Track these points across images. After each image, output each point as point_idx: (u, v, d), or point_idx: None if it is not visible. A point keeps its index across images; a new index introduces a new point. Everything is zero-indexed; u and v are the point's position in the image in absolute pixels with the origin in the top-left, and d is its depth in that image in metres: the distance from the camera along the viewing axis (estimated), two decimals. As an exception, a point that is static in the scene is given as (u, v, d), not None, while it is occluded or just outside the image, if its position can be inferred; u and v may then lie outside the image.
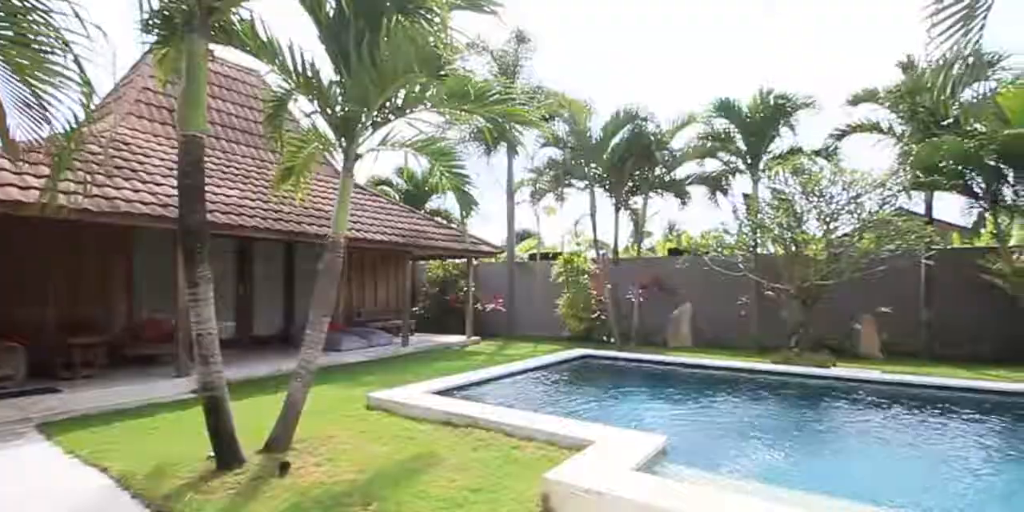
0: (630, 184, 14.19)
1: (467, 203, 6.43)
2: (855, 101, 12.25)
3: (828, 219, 10.08)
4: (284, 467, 4.20)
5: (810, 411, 6.93)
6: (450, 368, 9.12)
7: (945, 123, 10.24)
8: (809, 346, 9.98)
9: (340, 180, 5.21)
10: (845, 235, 10.15)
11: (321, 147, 5.71)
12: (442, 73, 4.84)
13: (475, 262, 15.81)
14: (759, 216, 10.96)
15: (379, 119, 5.28)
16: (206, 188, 4.71)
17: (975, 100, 9.82)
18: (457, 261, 16.69)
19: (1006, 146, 8.55)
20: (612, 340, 12.89)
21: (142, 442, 5.02)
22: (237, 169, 10.16)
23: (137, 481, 4.01)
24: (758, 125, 12.58)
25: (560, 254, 15.00)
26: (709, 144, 13.42)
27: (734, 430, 5.90)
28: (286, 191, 6.98)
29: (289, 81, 5.12)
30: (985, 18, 2.77)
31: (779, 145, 12.97)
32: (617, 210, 14.39)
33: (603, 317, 13.37)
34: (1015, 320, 9.25)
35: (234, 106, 11.54)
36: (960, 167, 9.46)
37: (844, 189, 9.99)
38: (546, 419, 5.38)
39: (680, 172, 14.34)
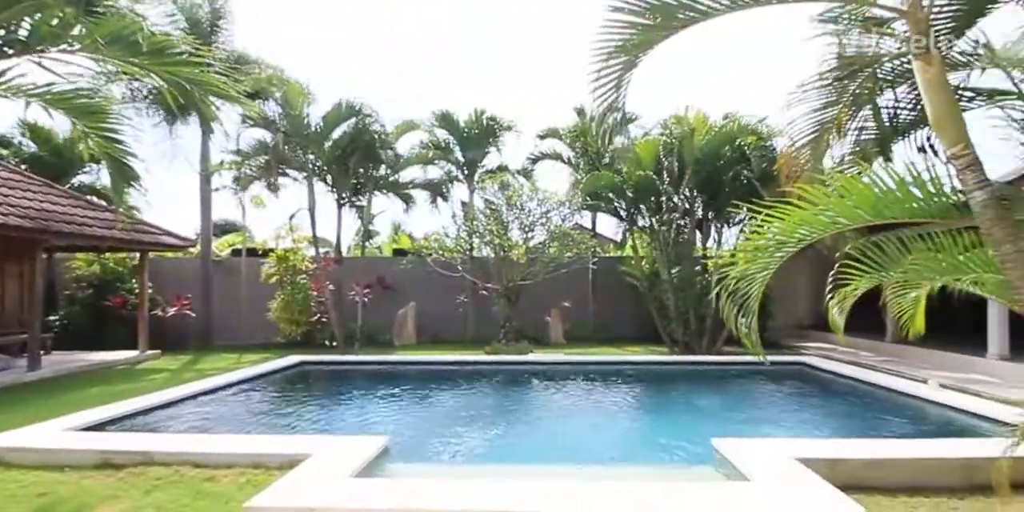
0: (355, 181, 13.77)
1: (125, 178, 5.08)
2: (544, 135, 14.93)
3: (527, 229, 11.92)
4: None
5: (515, 393, 7.96)
6: (111, 394, 6.98)
7: (605, 161, 13.31)
8: (514, 337, 11.52)
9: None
10: (540, 243, 12.16)
11: None
12: (96, 9, 3.66)
13: (151, 256, 12.73)
14: (474, 223, 12.16)
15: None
16: None
17: (621, 146, 13.22)
18: (123, 255, 13.14)
19: (638, 184, 11.63)
20: (334, 343, 12.20)
21: None
22: None
23: None
24: (474, 140, 13.90)
25: (273, 251, 13.33)
26: (431, 152, 14.16)
27: (453, 420, 6.25)
28: None
29: None
30: (627, 87, 3.57)
31: (491, 161, 14.66)
32: (340, 206, 13.75)
33: (324, 319, 12.52)
34: (645, 310, 12.57)
35: None
36: (612, 196, 12.41)
37: (539, 205, 11.99)
38: (249, 439, 4.83)
39: (405, 175, 14.68)
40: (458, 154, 14.15)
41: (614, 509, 3.20)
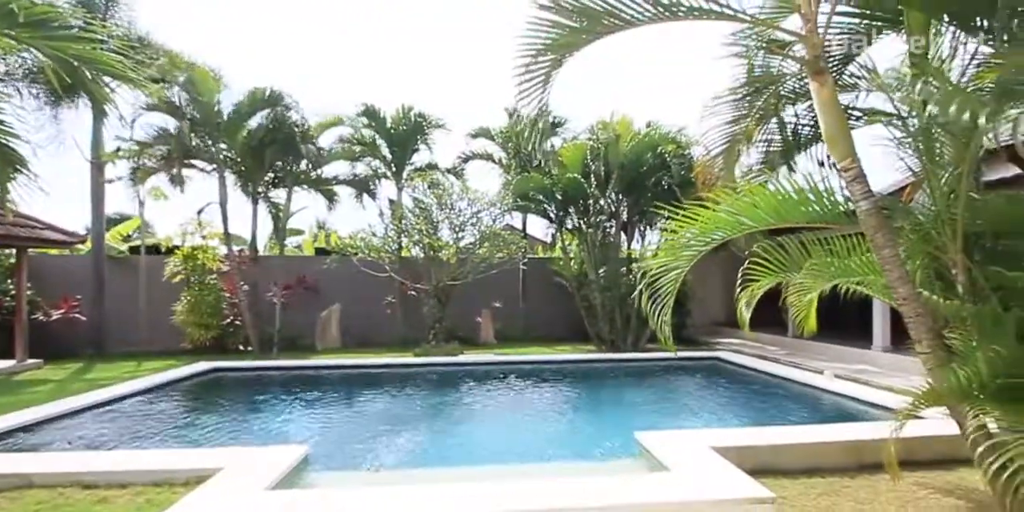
0: (271, 175, 12.98)
1: (9, 161, 4.50)
2: (475, 135, 14.90)
3: (457, 229, 11.81)
4: None
5: (445, 395, 7.86)
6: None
7: (536, 163, 13.50)
8: (444, 338, 11.37)
9: None
10: (470, 243, 12.10)
11: None
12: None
13: (32, 253, 11.32)
14: (403, 222, 11.87)
15: None
16: None
17: (549, 150, 13.48)
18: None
19: (567, 186, 11.90)
20: (249, 348, 11.44)
21: None
22: None
23: None
24: (401, 137, 13.55)
25: (179, 248, 12.25)
26: (357, 148, 13.65)
27: (380, 425, 6.08)
28: None
29: None
30: (549, 92, 3.56)
31: (420, 159, 14.37)
32: (255, 202, 12.90)
33: (238, 322, 11.70)
34: (574, 310, 12.86)
35: None
36: (542, 198, 12.61)
37: (469, 205, 11.92)
38: (150, 455, 4.47)
39: (329, 170, 14.03)
40: (385, 151, 13.74)
41: (542, 507, 3.24)
